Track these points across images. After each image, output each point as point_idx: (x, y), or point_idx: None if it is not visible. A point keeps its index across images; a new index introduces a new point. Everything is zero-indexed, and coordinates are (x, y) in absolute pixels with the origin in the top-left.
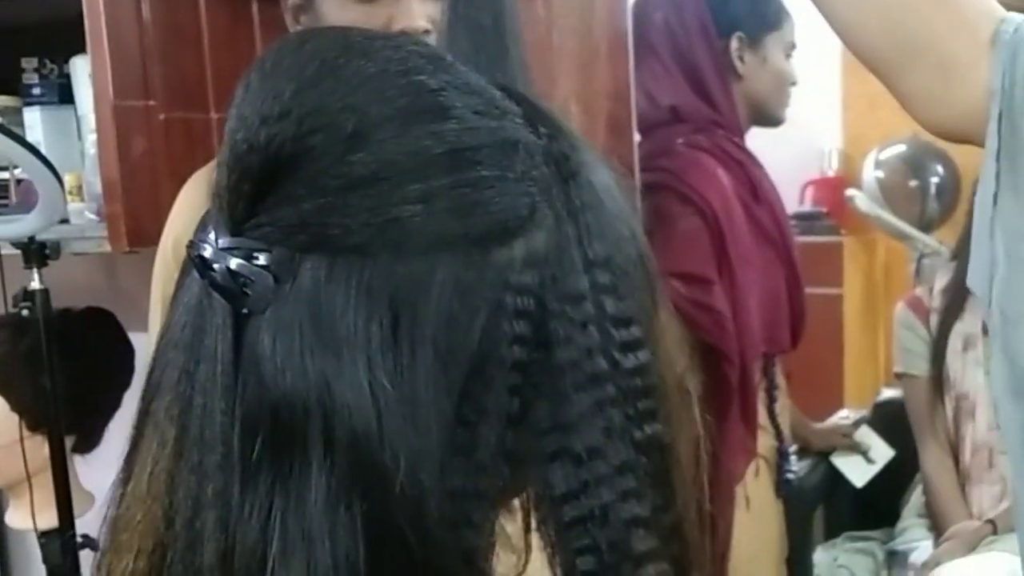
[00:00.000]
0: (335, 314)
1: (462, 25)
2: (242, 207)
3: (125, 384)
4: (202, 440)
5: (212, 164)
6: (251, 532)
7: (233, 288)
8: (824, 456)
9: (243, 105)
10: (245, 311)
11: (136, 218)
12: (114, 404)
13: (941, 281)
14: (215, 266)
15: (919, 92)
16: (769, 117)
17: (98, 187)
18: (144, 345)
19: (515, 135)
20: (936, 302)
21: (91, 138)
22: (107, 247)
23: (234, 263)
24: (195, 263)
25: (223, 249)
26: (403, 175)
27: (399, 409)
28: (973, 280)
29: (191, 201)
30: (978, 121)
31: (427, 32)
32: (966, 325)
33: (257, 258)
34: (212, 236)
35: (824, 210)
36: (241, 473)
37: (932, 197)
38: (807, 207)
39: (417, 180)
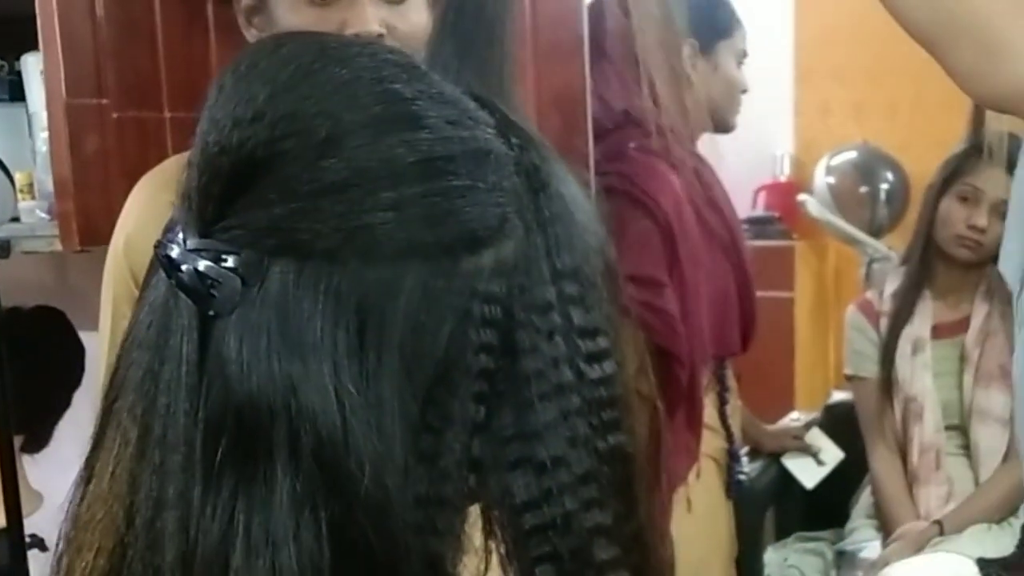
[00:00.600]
0: (302, 318)
1: (449, 33)
2: (212, 209)
3: (75, 383)
4: (165, 441)
5: (164, 164)
6: (213, 534)
7: (200, 289)
8: (775, 458)
9: (216, 107)
10: (211, 313)
11: (88, 217)
12: (64, 403)
13: (891, 285)
14: (183, 267)
15: (966, 68)
16: (720, 123)
17: (49, 185)
18: (95, 344)
19: (487, 146)
20: (886, 306)
21: (43, 136)
22: (58, 246)
23: (202, 264)
24: (162, 263)
25: (191, 250)
26: (375, 182)
27: (364, 414)
28: (1005, 266)
29: (142, 201)
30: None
31: (380, 36)
32: (915, 329)
33: (225, 260)
34: (180, 237)
35: (776, 215)
36: (203, 475)
37: (882, 203)
38: (759, 212)
39: (389, 188)
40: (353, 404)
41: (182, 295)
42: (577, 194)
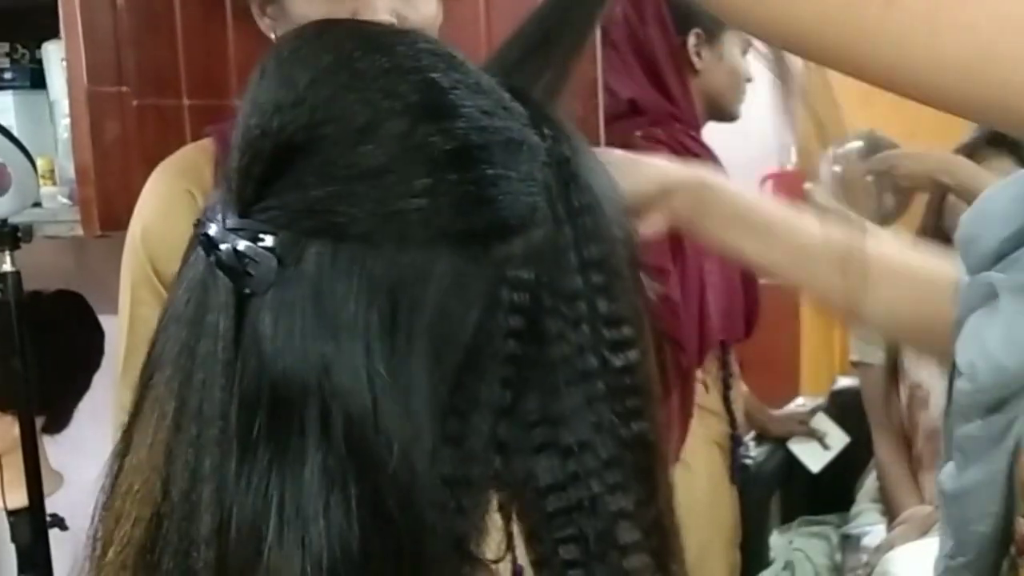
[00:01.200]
0: (336, 299)
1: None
2: (251, 190)
3: (95, 366)
4: (201, 414)
5: (179, 153)
6: (247, 507)
7: (237, 268)
8: (781, 442)
9: (258, 91)
10: (248, 291)
11: (108, 202)
12: (83, 385)
13: None
14: (221, 246)
15: None
16: (725, 112)
17: (70, 171)
18: (114, 328)
19: (520, 136)
20: None
21: (64, 123)
22: (79, 231)
23: (240, 244)
24: (200, 241)
25: (230, 229)
26: (410, 169)
27: (394, 396)
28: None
29: (158, 190)
30: None
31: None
32: None
33: (263, 240)
34: (219, 216)
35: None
36: (239, 448)
37: (888, 192)
38: None
39: (423, 174)
40: (383, 385)
41: (220, 273)
42: (607, 186)
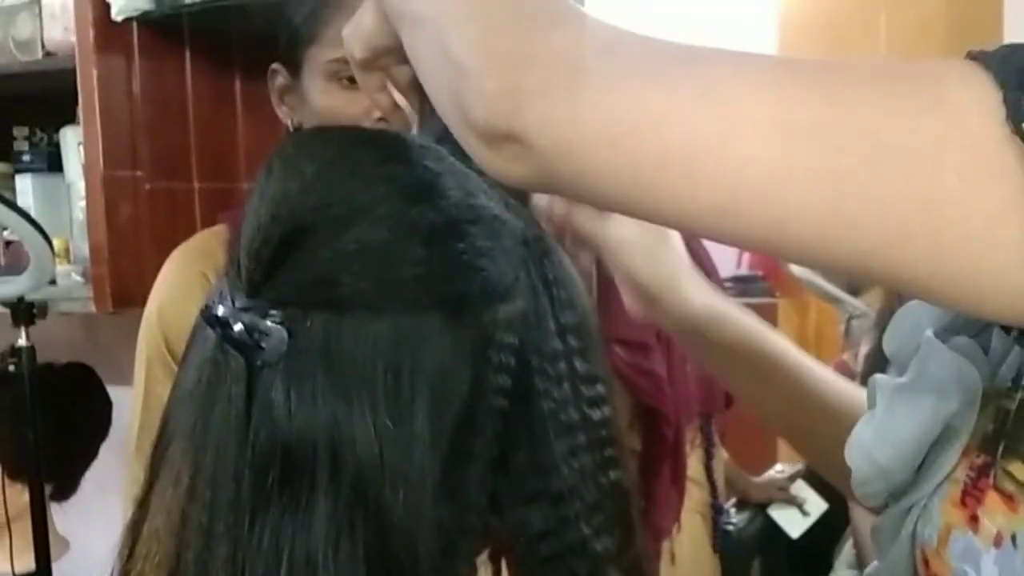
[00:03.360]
0: (344, 363)
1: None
2: (260, 271)
3: (102, 436)
4: (215, 479)
5: (194, 239)
6: (259, 561)
7: (249, 343)
8: (762, 508)
9: (266, 185)
10: (260, 363)
11: (121, 281)
12: (92, 454)
13: (865, 347)
14: (233, 324)
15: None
16: None
17: (85, 251)
18: (122, 399)
19: (501, 215)
20: (860, 367)
21: (80, 204)
22: (92, 308)
23: (251, 321)
24: (210, 322)
25: (240, 309)
26: (409, 242)
27: (399, 447)
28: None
29: (174, 272)
30: None
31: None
32: None
33: (273, 315)
34: (228, 298)
35: (760, 274)
36: (251, 508)
37: None
38: (744, 271)
39: (420, 246)
40: (389, 437)
41: (231, 349)
42: (572, 265)
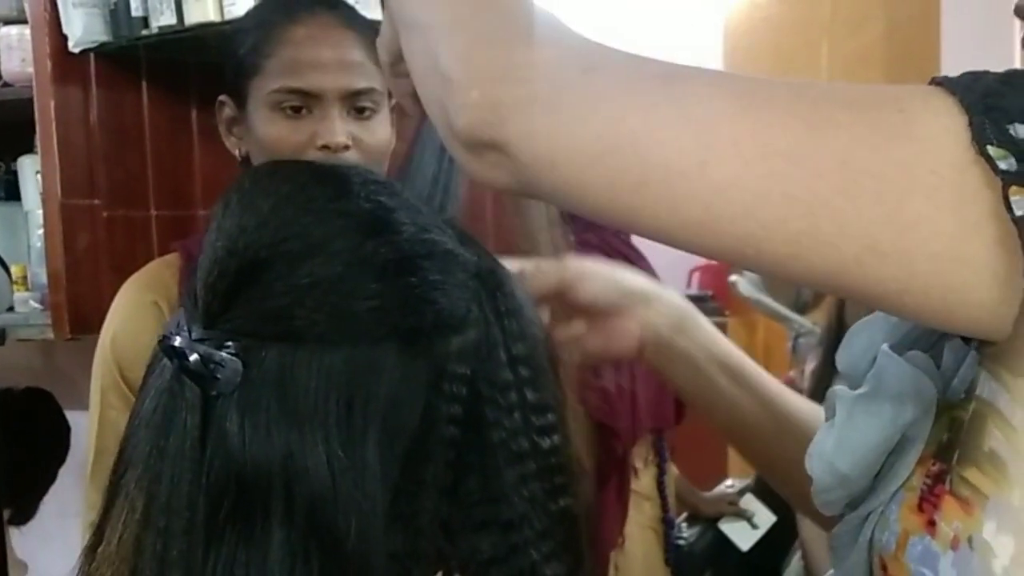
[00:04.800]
0: (297, 394)
1: (418, 174)
2: (217, 303)
3: (60, 460)
4: (169, 507)
5: (148, 267)
6: None
7: (205, 373)
8: (712, 522)
9: (223, 219)
10: (215, 393)
11: (79, 307)
12: (50, 478)
13: (811, 364)
14: (189, 354)
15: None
16: None
17: (43, 278)
18: (80, 423)
19: (454, 249)
20: (806, 383)
21: (38, 232)
22: (50, 334)
23: (207, 351)
24: (167, 352)
25: (196, 340)
26: (362, 276)
27: (351, 476)
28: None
29: (127, 302)
30: None
31: (347, 148)
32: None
33: (229, 347)
34: (185, 329)
35: (710, 293)
36: (205, 536)
37: None
38: (694, 291)
39: (373, 280)
40: (342, 467)
41: (187, 379)
42: (525, 294)
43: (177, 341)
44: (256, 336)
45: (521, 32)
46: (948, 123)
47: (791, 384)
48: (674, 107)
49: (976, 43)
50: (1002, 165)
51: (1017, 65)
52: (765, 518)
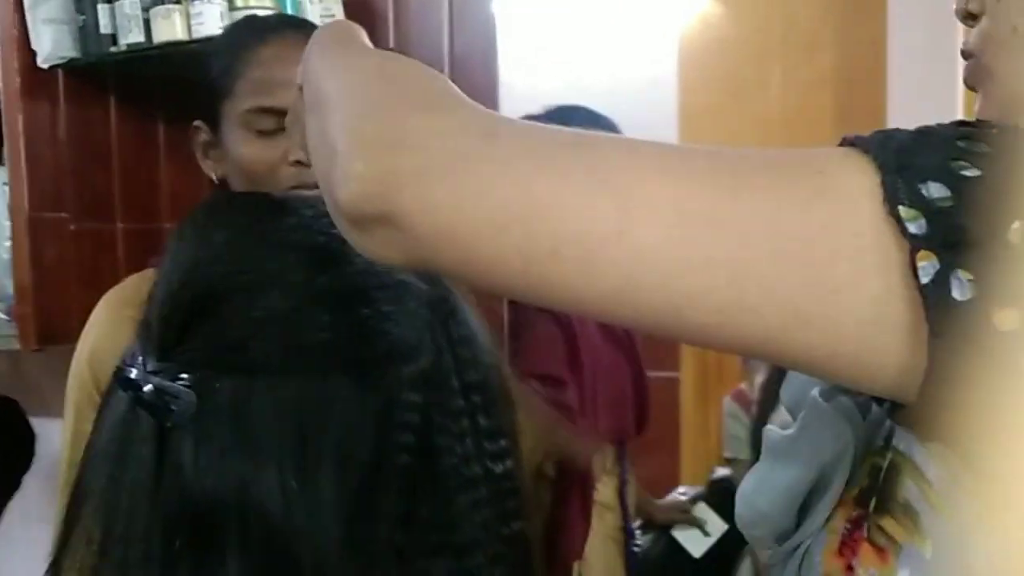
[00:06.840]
0: (252, 426)
1: None
2: (172, 335)
3: (26, 467)
4: (126, 538)
5: (124, 283)
6: None
7: (160, 405)
8: (665, 529)
9: (178, 251)
10: (170, 424)
11: (45, 319)
12: (14, 485)
13: (760, 376)
14: (143, 387)
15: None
16: None
17: (10, 289)
18: (45, 431)
19: (406, 278)
20: (756, 394)
21: (5, 244)
22: (16, 345)
23: (161, 383)
24: (122, 384)
25: (151, 372)
26: (315, 309)
27: (305, 505)
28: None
29: (104, 316)
30: None
31: None
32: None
33: (183, 379)
34: (140, 361)
35: None
36: (161, 567)
37: None
38: None
39: (327, 313)
40: (296, 498)
41: (142, 411)
42: (477, 322)
43: (132, 373)
44: (211, 368)
45: (413, 102)
46: (866, 183)
47: (742, 396)
48: (587, 172)
49: (923, 67)
50: (911, 228)
51: (960, 88)
52: (717, 526)
